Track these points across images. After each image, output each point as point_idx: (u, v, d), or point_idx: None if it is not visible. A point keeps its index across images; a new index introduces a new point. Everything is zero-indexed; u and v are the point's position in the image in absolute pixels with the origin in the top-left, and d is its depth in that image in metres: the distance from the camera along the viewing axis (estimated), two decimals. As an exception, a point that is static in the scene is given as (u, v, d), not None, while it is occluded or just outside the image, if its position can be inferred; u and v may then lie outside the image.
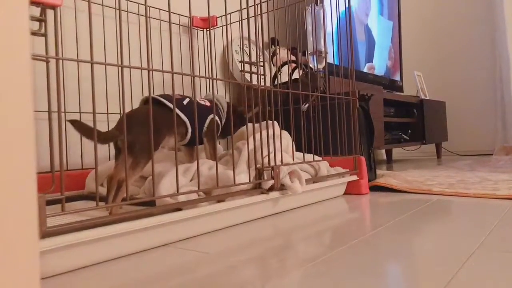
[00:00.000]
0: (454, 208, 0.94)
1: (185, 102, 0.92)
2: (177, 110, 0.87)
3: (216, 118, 0.98)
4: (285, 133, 1.09)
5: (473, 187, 1.19)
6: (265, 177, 0.87)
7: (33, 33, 0.51)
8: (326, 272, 0.52)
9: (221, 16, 1.53)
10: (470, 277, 0.48)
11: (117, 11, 1.26)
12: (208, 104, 0.99)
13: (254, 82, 0.90)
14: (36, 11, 0.52)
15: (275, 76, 1.59)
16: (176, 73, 0.72)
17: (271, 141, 0.91)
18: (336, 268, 0.53)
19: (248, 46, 1.66)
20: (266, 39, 1.88)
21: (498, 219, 0.79)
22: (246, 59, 1.77)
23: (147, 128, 0.70)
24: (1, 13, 0.30)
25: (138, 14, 1.37)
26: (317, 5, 1.46)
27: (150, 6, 1.41)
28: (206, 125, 0.96)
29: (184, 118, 0.89)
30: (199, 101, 0.96)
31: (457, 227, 0.74)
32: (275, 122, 1.08)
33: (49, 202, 0.52)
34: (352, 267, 0.54)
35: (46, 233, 0.51)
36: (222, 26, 1.58)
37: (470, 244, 0.62)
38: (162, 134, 0.82)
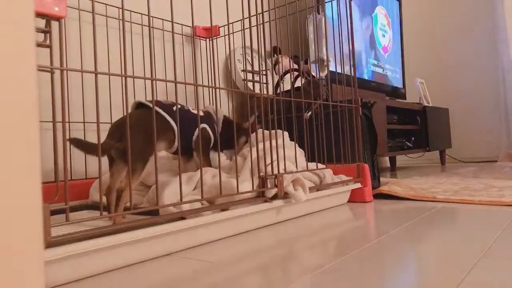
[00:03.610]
0: (459, 215, 0.93)
1: (175, 108, 0.90)
2: (165, 115, 0.84)
3: (208, 128, 0.96)
4: (292, 144, 1.08)
5: (478, 194, 1.19)
6: (269, 186, 0.87)
7: (39, 45, 0.52)
8: (331, 281, 0.52)
9: (224, 26, 1.54)
10: (475, 286, 0.48)
11: (121, 21, 1.27)
12: (201, 114, 0.96)
13: (257, 90, 0.90)
14: (41, 23, 0.53)
15: (278, 85, 1.60)
16: (179, 82, 0.72)
17: (274, 149, 0.91)
18: (341, 277, 0.53)
19: (250, 55, 1.67)
20: (268, 48, 1.89)
21: (503, 226, 0.79)
22: (249, 68, 1.78)
23: (139, 133, 0.69)
24: (8, 26, 0.30)
25: (141, 25, 1.39)
26: (318, 13, 1.47)
27: (153, 17, 1.42)
28: (195, 135, 0.92)
29: (172, 123, 0.85)
30: (191, 110, 0.94)
31: (462, 234, 0.74)
32: (286, 133, 1.07)
33: (54, 212, 0.52)
34: (356, 275, 0.53)
35: (50, 243, 0.51)
36: (224, 35, 1.60)
37: (475, 252, 0.62)
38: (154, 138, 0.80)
